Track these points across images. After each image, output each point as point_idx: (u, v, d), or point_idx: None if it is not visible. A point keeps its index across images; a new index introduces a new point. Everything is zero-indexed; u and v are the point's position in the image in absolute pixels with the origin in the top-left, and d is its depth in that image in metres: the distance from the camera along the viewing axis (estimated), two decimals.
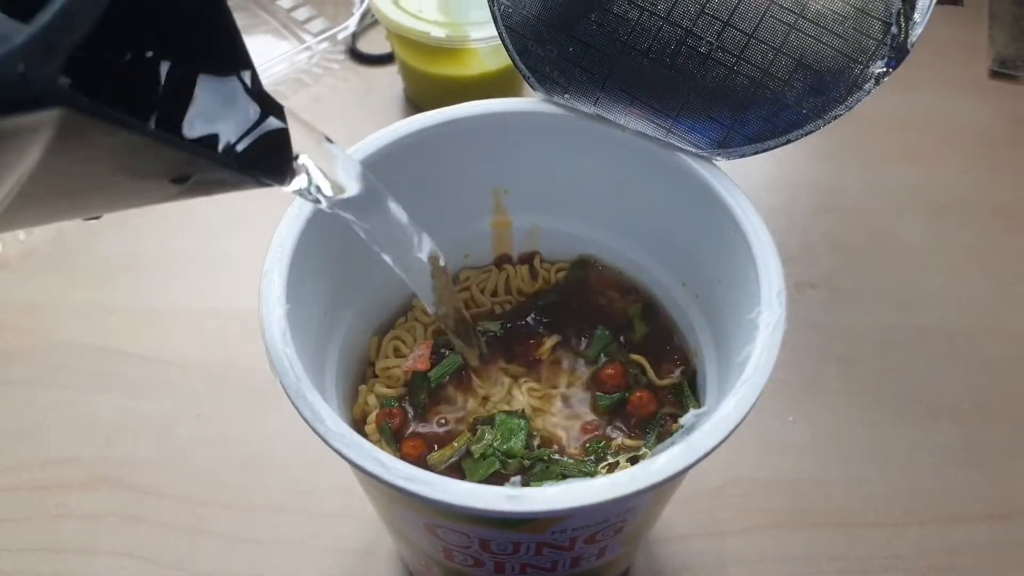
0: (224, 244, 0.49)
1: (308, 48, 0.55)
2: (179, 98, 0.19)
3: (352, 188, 0.23)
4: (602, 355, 0.29)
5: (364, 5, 0.57)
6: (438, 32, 0.48)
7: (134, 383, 0.43)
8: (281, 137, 0.20)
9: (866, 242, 0.50)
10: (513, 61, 0.28)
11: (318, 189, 0.22)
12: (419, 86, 0.53)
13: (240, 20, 0.64)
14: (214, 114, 0.20)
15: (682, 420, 0.25)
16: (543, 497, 0.19)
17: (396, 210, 0.24)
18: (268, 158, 0.20)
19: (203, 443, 0.41)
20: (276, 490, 0.39)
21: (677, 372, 0.29)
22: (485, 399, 0.28)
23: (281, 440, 0.41)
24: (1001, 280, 0.48)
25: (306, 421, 0.21)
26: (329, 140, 0.23)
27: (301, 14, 0.60)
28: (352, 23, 0.55)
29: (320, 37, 0.55)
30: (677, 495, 0.38)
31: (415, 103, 0.55)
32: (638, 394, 0.28)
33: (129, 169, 0.18)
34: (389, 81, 0.57)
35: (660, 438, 0.27)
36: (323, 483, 0.39)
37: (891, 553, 0.38)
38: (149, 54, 0.19)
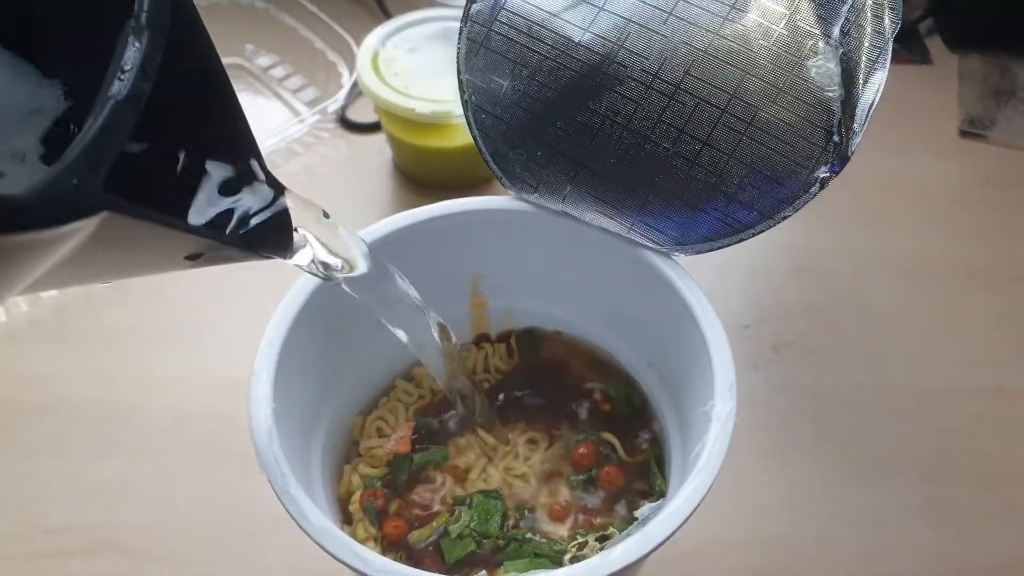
0: (222, 314, 0.51)
1: (301, 120, 0.57)
2: (198, 188, 0.22)
3: (361, 266, 0.25)
4: (575, 432, 0.31)
5: (353, 78, 0.60)
6: (423, 108, 0.50)
7: (134, 449, 0.44)
8: (283, 216, 0.23)
9: (837, 303, 0.52)
10: (487, 163, 0.30)
11: (325, 265, 0.24)
12: (406, 156, 0.55)
13: (236, 88, 0.66)
14: (229, 202, 0.22)
15: (637, 512, 0.27)
16: None
17: (405, 286, 0.26)
18: (272, 236, 0.22)
19: (200, 508, 0.42)
20: (273, 555, 0.41)
21: (646, 444, 0.31)
22: (464, 475, 0.30)
23: (278, 505, 0.42)
24: (968, 340, 0.50)
25: (292, 516, 0.23)
26: (326, 215, 0.24)
27: (293, 83, 0.62)
28: (341, 96, 0.57)
29: (313, 110, 0.57)
30: (654, 559, 0.40)
31: (403, 171, 0.57)
32: (607, 470, 0.30)
33: (151, 251, 0.20)
34: (378, 148, 0.59)
35: (627, 516, 0.29)
36: (317, 552, 0.41)
37: None
38: (177, 155, 0.21)
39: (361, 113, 0.61)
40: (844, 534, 0.42)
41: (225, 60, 0.66)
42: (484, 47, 0.30)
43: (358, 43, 0.56)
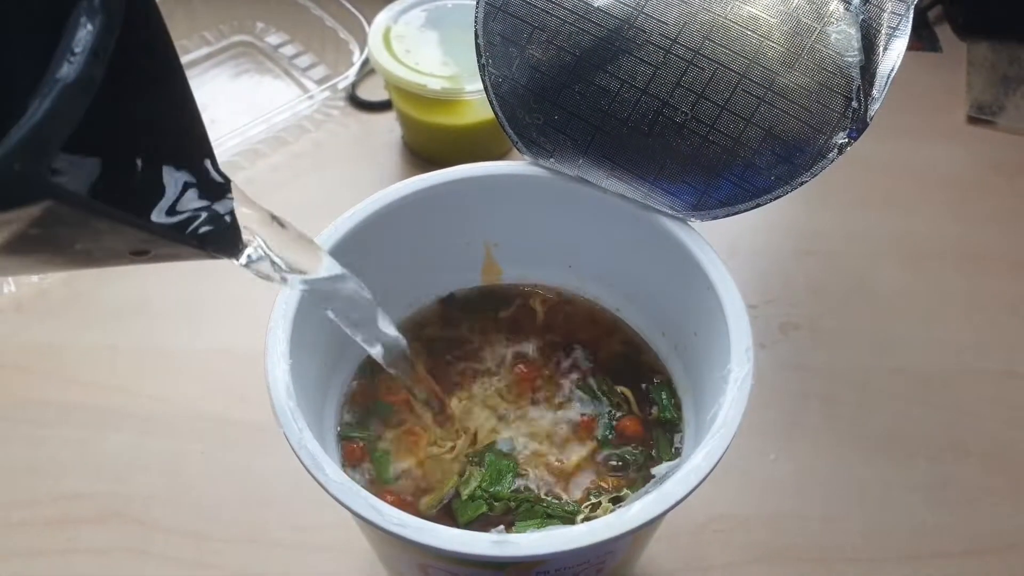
0: (230, 288, 0.51)
1: (310, 96, 0.57)
2: (149, 187, 0.21)
3: (313, 270, 0.24)
4: (589, 391, 0.31)
5: (364, 55, 0.60)
6: (435, 84, 0.50)
7: (143, 421, 0.44)
8: (233, 217, 0.22)
9: (845, 285, 0.52)
10: (502, 127, 0.30)
11: (276, 266, 0.24)
12: (416, 133, 0.55)
13: (246, 66, 0.66)
14: (177, 199, 0.22)
15: (654, 470, 0.27)
16: (525, 543, 0.21)
17: (359, 291, 0.25)
18: (221, 235, 0.22)
19: (207, 480, 0.42)
20: (277, 525, 0.41)
21: (654, 410, 0.30)
22: (474, 436, 0.29)
23: (282, 477, 0.42)
24: (977, 324, 0.50)
25: (307, 470, 0.23)
26: (279, 221, 0.24)
27: (303, 61, 0.62)
28: (352, 73, 0.57)
29: (323, 87, 0.57)
30: (661, 532, 0.40)
31: (412, 149, 0.57)
32: (624, 422, 0.30)
33: (95, 243, 0.20)
34: (387, 127, 0.59)
35: (640, 478, 0.28)
36: (322, 519, 0.41)
37: None
38: (125, 149, 0.21)
39: (372, 92, 0.61)
40: (850, 512, 0.42)
41: (235, 38, 0.66)
42: (502, 11, 0.30)
43: (369, 21, 0.55)
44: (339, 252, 0.28)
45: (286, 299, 0.26)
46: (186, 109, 0.22)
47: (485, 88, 0.30)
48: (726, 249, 0.50)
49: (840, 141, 0.28)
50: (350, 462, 0.28)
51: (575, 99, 0.29)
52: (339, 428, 0.30)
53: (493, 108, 0.30)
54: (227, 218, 0.22)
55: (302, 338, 0.26)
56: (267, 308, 0.48)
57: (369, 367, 0.31)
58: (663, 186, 0.29)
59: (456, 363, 0.31)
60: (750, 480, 0.43)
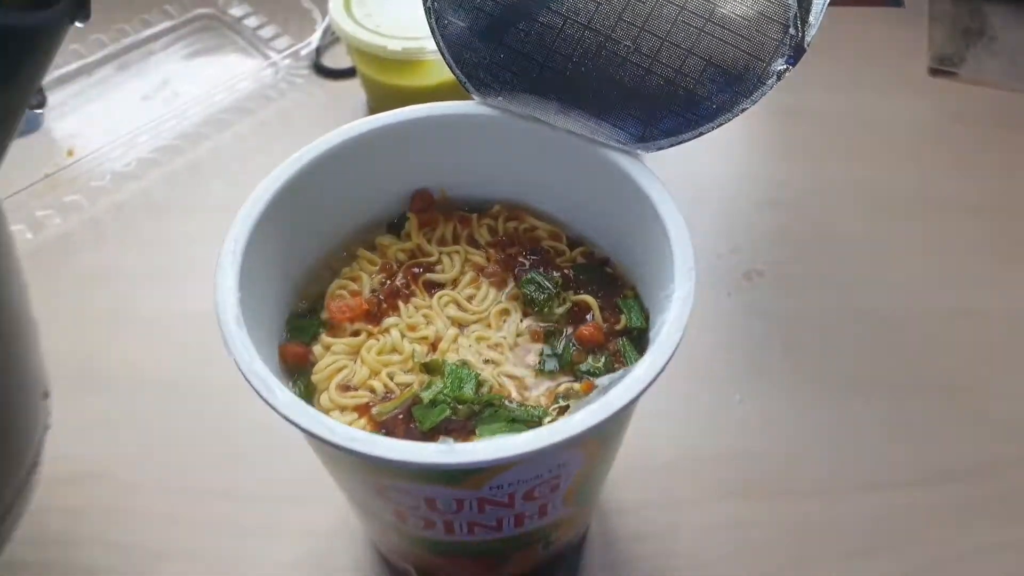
0: (196, 254, 0.51)
1: (273, 64, 0.57)
2: None
3: None
4: (551, 302, 0.31)
5: (326, 22, 0.60)
6: (395, 45, 0.50)
7: (116, 384, 0.45)
8: None
9: (808, 233, 0.53)
10: (450, 68, 0.31)
11: None
12: (380, 97, 0.56)
13: (209, 40, 0.66)
14: None
15: (597, 381, 0.28)
16: (471, 450, 0.22)
17: None
18: None
19: (179, 438, 0.43)
20: (250, 480, 0.41)
21: (621, 319, 0.30)
22: (433, 347, 0.30)
23: (253, 434, 0.43)
24: (934, 266, 0.51)
25: (258, 394, 0.23)
26: None
27: (267, 32, 0.62)
28: (315, 39, 0.58)
29: (284, 53, 0.57)
30: (631, 468, 0.41)
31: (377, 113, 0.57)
32: (584, 329, 0.30)
33: None
34: (352, 93, 0.59)
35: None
36: (295, 473, 0.41)
37: (828, 519, 0.40)
38: None
39: (335, 59, 0.61)
40: (813, 449, 0.43)
41: (197, 11, 0.66)
42: None
43: None
44: (286, 193, 0.28)
45: (234, 238, 0.26)
46: None
47: (431, 30, 0.31)
48: (692, 200, 0.50)
49: (779, 68, 0.28)
50: (296, 373, 0.28)
51: (519, 37, 0.30)
52: (286, 337, 0.30)
53: (440, 50, 0.31)
54: None
55: (251, 272, 0.26)
56: None
57: (319, 283, 0.32)
58: (610, 120, 0.29)
59: (414, 274, 0.32)
60: (717, 421, 0.44)
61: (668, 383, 0.43)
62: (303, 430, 0.22)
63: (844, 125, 0.60)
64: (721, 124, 0.29)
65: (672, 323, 0.25)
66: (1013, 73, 0.64)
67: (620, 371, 0.27)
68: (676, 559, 0.39)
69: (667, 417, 0.44)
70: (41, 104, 0.55)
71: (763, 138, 0.59)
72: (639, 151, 0.30)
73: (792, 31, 0.28)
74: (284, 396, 0.23)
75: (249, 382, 0.23)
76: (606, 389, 0.24)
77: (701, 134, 0.29)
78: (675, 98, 0.29)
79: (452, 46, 0.31)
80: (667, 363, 0.24)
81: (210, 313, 0.47)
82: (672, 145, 0.29)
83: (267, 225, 0.28)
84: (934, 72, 0.64)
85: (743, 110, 0.29)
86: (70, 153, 0.54)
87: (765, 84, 0.29)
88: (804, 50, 0.28)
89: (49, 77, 0.59)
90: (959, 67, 0.64)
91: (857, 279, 0.50)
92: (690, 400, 0.45)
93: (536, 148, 0.31)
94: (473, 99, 0.31)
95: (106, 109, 0.58)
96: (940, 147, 0.59)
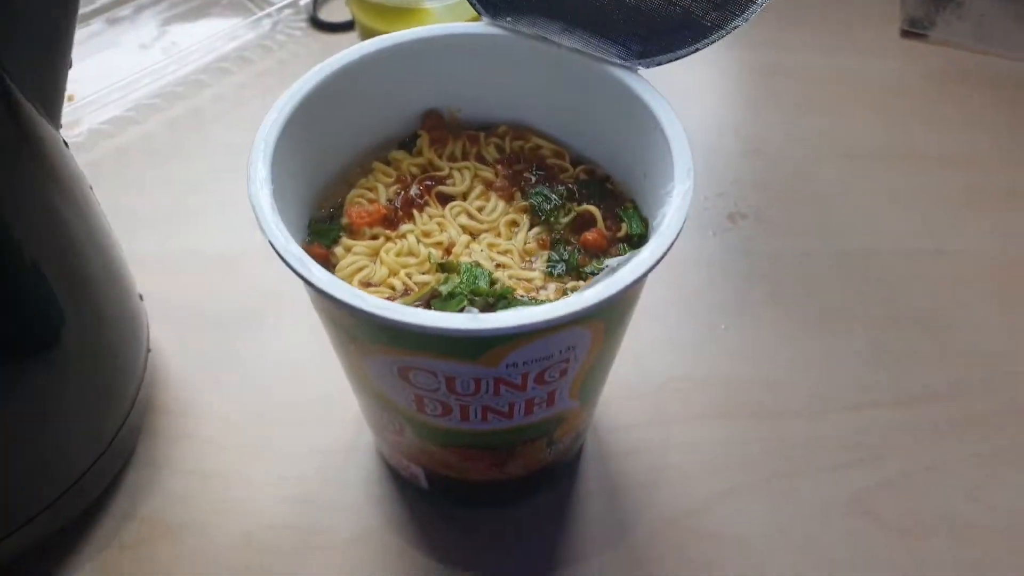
0: (196, 196, 0.52)
1: (270, 15, 0.59)
2: None
3: None
4: (557, 212, 0.33)
5: None
6: None
7: None
8: None
9: (787, 180, 0.55)
10: None
11: None
12: None
13: None
14: None
15: (607, 262, 0.30)
16: (497, 318, 0.24)
17: None
18: None
19: (188, 367, 0.44)
20: (263, 403, 0.43)
21: (622, 227, 0.32)
22: (447, 251, 0.32)
23: (265, 359, 0.45)
24: (908, 211, 0.54)
25: (296, 272, 0.25)
26: None
27: None
28: None
29: (280, 4, 0.59)
30: (624, 389, 0.43)
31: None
32: (588, 235, 0.32)
33: None
34: (349, 46, 0.61)
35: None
36: (302, 397, 0.43)
37: (809, 436, 0.43)
38: None
39: (333, 13, 0.63)
40: (794, 375, 0.45)
41: None
42: None
43: None
44: (309, 102, 0.30)
45: (264, 136, 0.28)
46: None
47: None
48: None
49: None
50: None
51: None
52: (308, 240, 0.31)
53: None
54: None
55: (280, 164, 0.28)
56: (237, 215, 0.50)
57: (336, 194, 0.33)
58: (612, 37, 0.31)
59: (427, 186, 0.33)
60: (705, 348, 0.46)
61: (658, 311, 0.46)
62: (340, 303, 0.24)
63: (821, 82, 0.63)
64: (715, 41, 0.31)
65: (673, 213, 0.27)
66: (979, 35, 0.67)
67: (627, 254, 0.29)
68: (666, 471, 0.42)
69: (657, 344, 0.46)
70: None
71: (746, 93, 0.62)
72: (639, 67, 0.32)
73: None
74: (321, 273, 0.25)
75: (286, 262, 0.25)
76: (614, 270, 0.26)
77: (697, 50, 0.31)
78: (672, 16, 0.31)
79: None
80: (670, 247, 0.26)
81: (211, 252, 0.49)
82: (670, 61, 0.31)
83: (291, 131, 0.29)
84: (905, 34, 0.67)
85: (735, 27, 0.31)
86: (70, 98, 0.55)
87: (755, 3, 0.31)
88: None
89: None
90: (929, 30, 0.67)
91: (834, 222, 0.53)
92: (678, 328, 0.47)
93: (542, 67, 0.33)
94: (483, 20, 0.33)
95: (104, 58, 0.59)
96: (910, 103, 0.61)
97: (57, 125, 0.34)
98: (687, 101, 0.62)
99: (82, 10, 0.61)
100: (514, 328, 0.24)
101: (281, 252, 0.25)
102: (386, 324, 0.24)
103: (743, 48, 0.65)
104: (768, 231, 0.52)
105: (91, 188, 0.37)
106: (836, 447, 0.43)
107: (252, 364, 0.45)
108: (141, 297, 0.41)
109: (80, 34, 0.60)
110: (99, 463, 0.38)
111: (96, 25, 0.61)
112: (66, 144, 0.35)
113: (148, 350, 0.41)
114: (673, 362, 0.45)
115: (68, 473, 0.36)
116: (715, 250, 0.51)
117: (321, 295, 0.25)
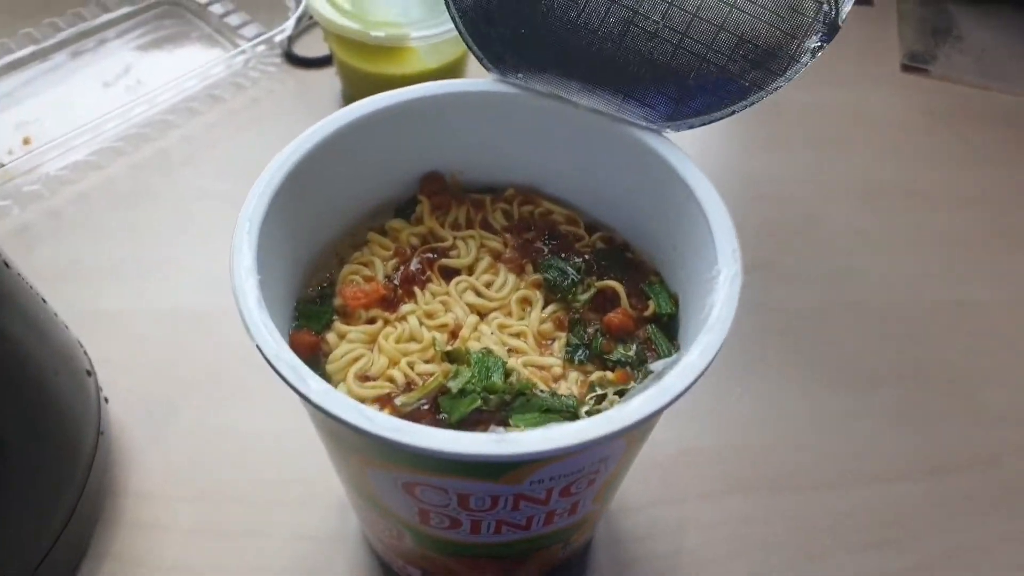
0: (163, 248, 0.48)
1: (243, 52, 0.55)
2: None
3: None
4: (575, 288, 0.29)
5: (300, 8, 0.58)
6: (378, 31, 0.48)
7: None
8: None
9: (797, 226, 0.53)
10: (466, 43, 0.29)
11: None
12: (359, 86, 0.53)
13: (171, 27, 0.64)
14: None
15: (651, 366, 0.26)
16: (529, 440, 0.20)
17: None
18: None
19: (161, 441, 0.40)
20: (237, 482, 0.39)
21: (650, 305, 0.29)
22: (453, 334, 0.28)
23: (238, 432, 0.41)
24: (925, 258, 0.51)
25: (287, 383, 0.21)
26: None
27: (234, 20, 0.60)
28: (289, 25, 0.55)
29: (254, 41, 0.55)
30: (636, 465, 0.39)
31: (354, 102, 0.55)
32: (613, 316, 0.28)
33: None
34: (326, 82, 0.57)
35: (640, 375, 0.27)
36: (283, 474, 0.39)
37: (836, 512, 0.40)
38: None
39: (309, 48, 0.59)
40: (815, 441, 0.42)
41: None
42: None
43: None
44: (298, 172, 0.26)
45: (249, 217, 0.24)
46: None
47: (446, 2, 0.29)
48: None
49: (813, 45, 0.27)
50: (309, 364, 0.27)
51: (541, 10, 0.28)
52: (296, 324, 0.28)
53: (455, 23, 0.29)
54: None
55: (267, 254, 0.24)
56: (206, 266, 0.46)
57: (326, 269, 0.30)
58: (637, 97, 0.28)
59: (429, 260, 0.30)
60: (719, 416, 0.43)
61: None
62: (339, 420, 0.20)
63: (821, 119, 0.60)
64: (753, 103, 0.28)
65: (723, 303, 0.24)
66: (981, 71, 0.65)
67: (673, 356, 0.26)
68: (683, 556, 0.38)
69: (669, 414, 0.42)
70: None
71: (745, 134, 0.59)
72: (668, 130, 0.28)
73: (826, 7, 0.27)
74: (317, 385, 0.21)
75: (277, 371, 0.21)
76: (660, 375, 0.23)
77: (734, 112, 0.28)
78: (706, 76, 0.28)
79: (467, 19, 0.29)
80: (720, 348, 0.23)
81: (184, 308, 0.45)
82: (703, 124, 0.28)
83: (279, 205, 0.26)
84: (906, 68, 0.65)
85: (777, 88, 0.28)
86: (27, 141, 0.51)
87: (799, 62, 0.28)
88: (838, 27, 0.28)
89: (0, 62, 0.55)
90: (930, 64, 0.65)
91: (847, 271, 0.50)
92: (691, 396, 0.43)
93: (556, 128, 0.30)
94: (490, 76, 0.29)
95: (64, 96, 0.54)
96: (916, 141, 0.59)
97: None
98: (682, 140, 0.59)
99: (44, 43, 0.56)
100: (549, 452, 0.20)
101: (271, 360, 0.21)
102: (400, 448, 0.20)
103: None
104: (780, 282, 0.49)
105: (7, 265, 0.32)
106: (865, 524, 0.39)
107: (223, 437, 0.40)
108: (90, 372, 0.37)
109: (40, 67, 0.56)
110: (47, 561, 0.33)
111: (58, 58, 0.57)
112: None
113: (100, 432, 0.36)
114: (685, 433, 0.42)
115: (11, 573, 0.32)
116: None
117: (320, 412, 0.21)
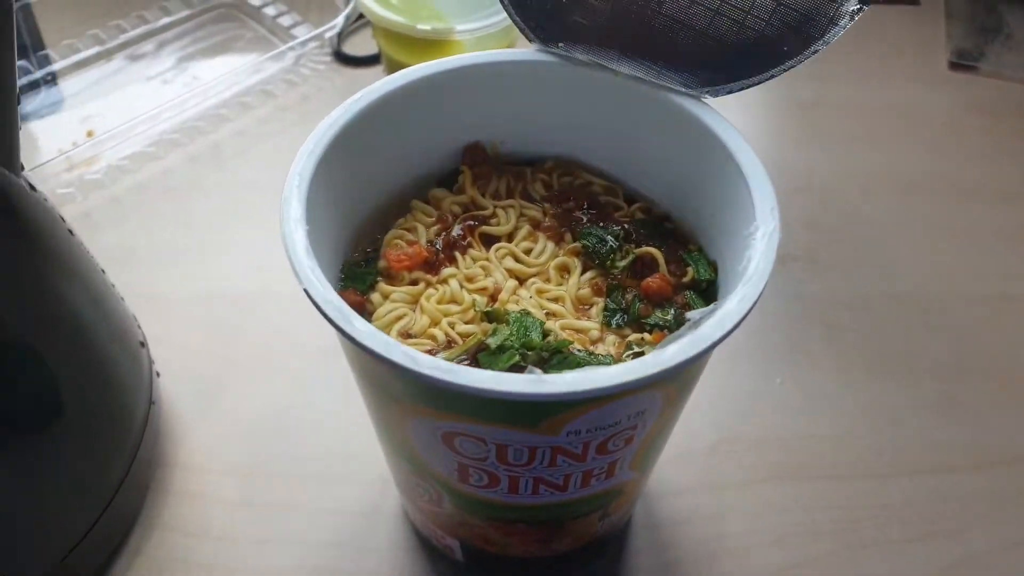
0: (216, 233, 0.50)
1: (294, 49, 0.56)
2: None
3: None
4: (613, 255, 0.29)
5: (350, 6, 0.59)
6: (423, 25, 0.49)
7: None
8: None
9: (838, 219, 0.52)
10: (509, 14, 0.30)
11: None
12: None
13: (229, 29, 0.66)
14: None
15: (689, 315, 0.27)
16: (564, 380, 0.20)
17: None
18: None
19: (210, 418, 0.41)
20: (281, 458, 0.40)
21: (688, 271, 0.29)
22: (493, 297, 0.29)
23: (282, 411, 0.41)
24: (968, 251, 0.50)
25: (334, 324, 0.22)
26: None
27: (286, 20, 0.61)
28: (339, 22, 0.57)
29: (305, 39, 0.56)
30: (674, 451, 0.39)
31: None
32: (651, 280, 0.28)
33: None
34: (374, 80, 0.58)
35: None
36: (325, 451, 0.40)
37: (880, 503, 0.39)
38: None
39: (358, 47, 0.60)
40: (858, 431, 0.42)
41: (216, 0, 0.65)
42: None
43: None
44: (344, 135, 0.27)
45: (299, 171, 0.25)
46: None
47: None
48: None
49: (852, 7, 0.27)
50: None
51: None
52: (342, 285, 0.28)
53: None
54: None
55: (314, 208, 0.25)
56: (260, 252, 0.47)
57: (371, 235, 0.30)
58: (676, 64, 0.28)
59: (470, 227, 0.30)
60: (758, 403, 0.43)
61: (708, 366, 0.42)
62: (383, 360, 0.21)
63: (867, 115, 0.60)
64: (791, 67, 0.28)
65: (760, 257, 0.24)
66: None
67: (711, 306, 0.26)
68: (724, 541, 0.38)
69: (708, 400, 0.42)
70: None
71: (789, 129, 0.59)
72: (707, 96, 0.29)
73: None
74: (362, 326, 0.22)
75: (324, 313, 0.22)
76: (697, 324, 0.23)
77: (772, 76, 0.28)
78: (744, 41, 0.28)
79: None
80: (759, 296, 0.23)
81: (227, 295, 0.46)
82: (742, 88, 0.28)
83: (327, 166, 0.26)
84: (953, 66, 0.64)
85: (815, 52, 0.28)
86: (90, 134, 0.53)
87: (838, 25, 0.28)
88: None
89: (67, 62, 0.58)
90: (979, 61, 0.64)
91: (889, 263, 0.50)
92: (731, 383, 0.43)
93: (597, 97, 0.30)
94: (532, 46, 0.30)
95: (125, 93, 0.57)
96: (962, 137, 0.58)
97: (15, 170, 0.30)
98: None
99: (103, 46, 0.59)
100: (585, 393, 0.21)
101: (318, 302, 0.22)
102: (441, 387, 0.21)
103: (782, 80, 0.62)
104: (820, 273, 0.49)
105: (71, 233, 0.34)
106: (910, 517, 0.39)
107: (268, 415, 0.41)
108: (143, 344, 0.38)
109: (101, 70, 0.58)
110: (98, 527, 0.34)
111: (117, 61, 0.59)
112: (32, 188, 0.31)
113: (152, 403, 0.38)
114: (725, 420, 0.42)
115: (61, 541, 0.33)
116: (766, 295, 0.47)
117: (365, 352, 0.21)
